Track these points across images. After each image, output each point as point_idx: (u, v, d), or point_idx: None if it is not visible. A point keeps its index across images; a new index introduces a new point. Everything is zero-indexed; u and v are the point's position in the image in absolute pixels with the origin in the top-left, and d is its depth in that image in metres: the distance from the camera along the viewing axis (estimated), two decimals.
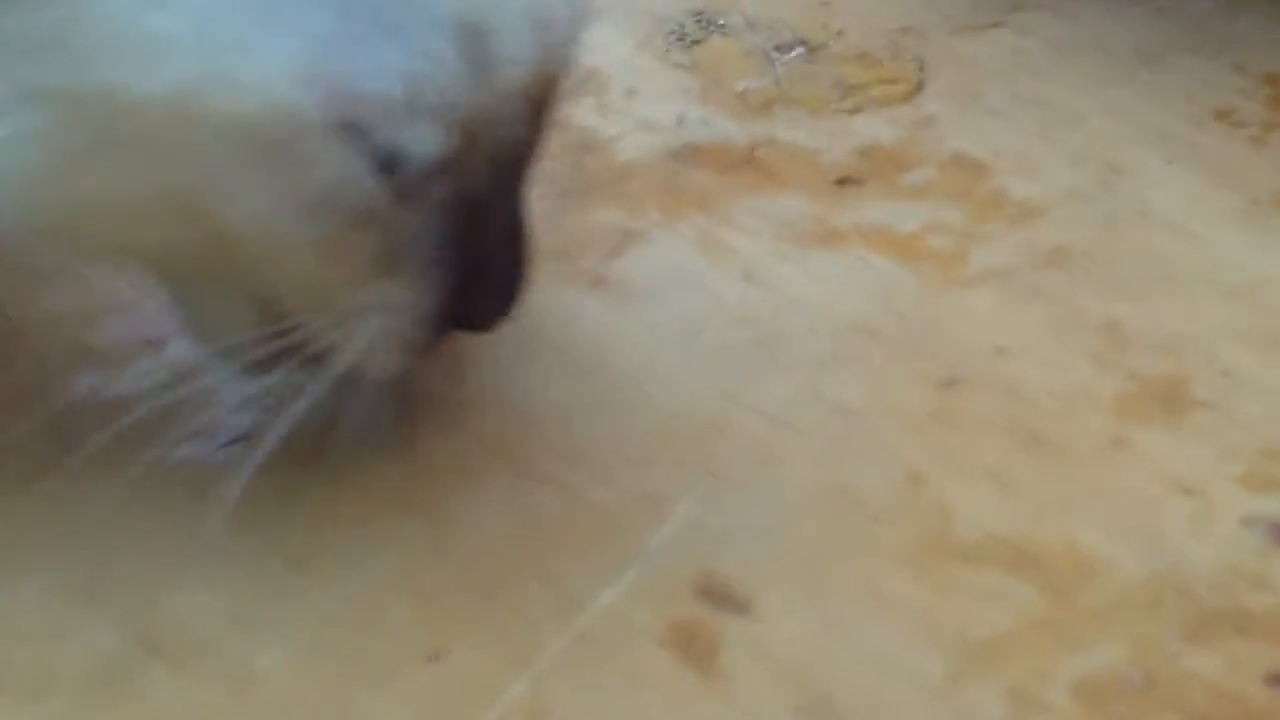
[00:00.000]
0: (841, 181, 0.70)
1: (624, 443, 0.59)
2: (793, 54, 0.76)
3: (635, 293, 0.65)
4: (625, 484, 0.58)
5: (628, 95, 0.75)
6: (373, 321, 0.54)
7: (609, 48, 0.78)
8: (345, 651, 0.54)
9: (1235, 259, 0.66)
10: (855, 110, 0.73)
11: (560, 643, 0.53)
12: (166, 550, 0.56)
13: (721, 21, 0.79)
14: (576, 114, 0.74)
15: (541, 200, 0.66)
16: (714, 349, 0.63)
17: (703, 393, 0.61)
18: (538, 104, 0.53)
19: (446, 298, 0.54)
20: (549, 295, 0.65)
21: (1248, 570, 0.55)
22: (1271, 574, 0.55)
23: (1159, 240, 0.67)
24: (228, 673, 0.53)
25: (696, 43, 0.78)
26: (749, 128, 0.73)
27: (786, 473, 0.58)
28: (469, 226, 0.53)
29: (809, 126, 0.73)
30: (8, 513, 0.57)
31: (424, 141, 0.50)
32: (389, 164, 0.51)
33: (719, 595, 0.55)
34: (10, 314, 0.64)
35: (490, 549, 0.56)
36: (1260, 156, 0.70)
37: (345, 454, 0.56)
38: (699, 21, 0.79)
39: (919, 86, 0.75)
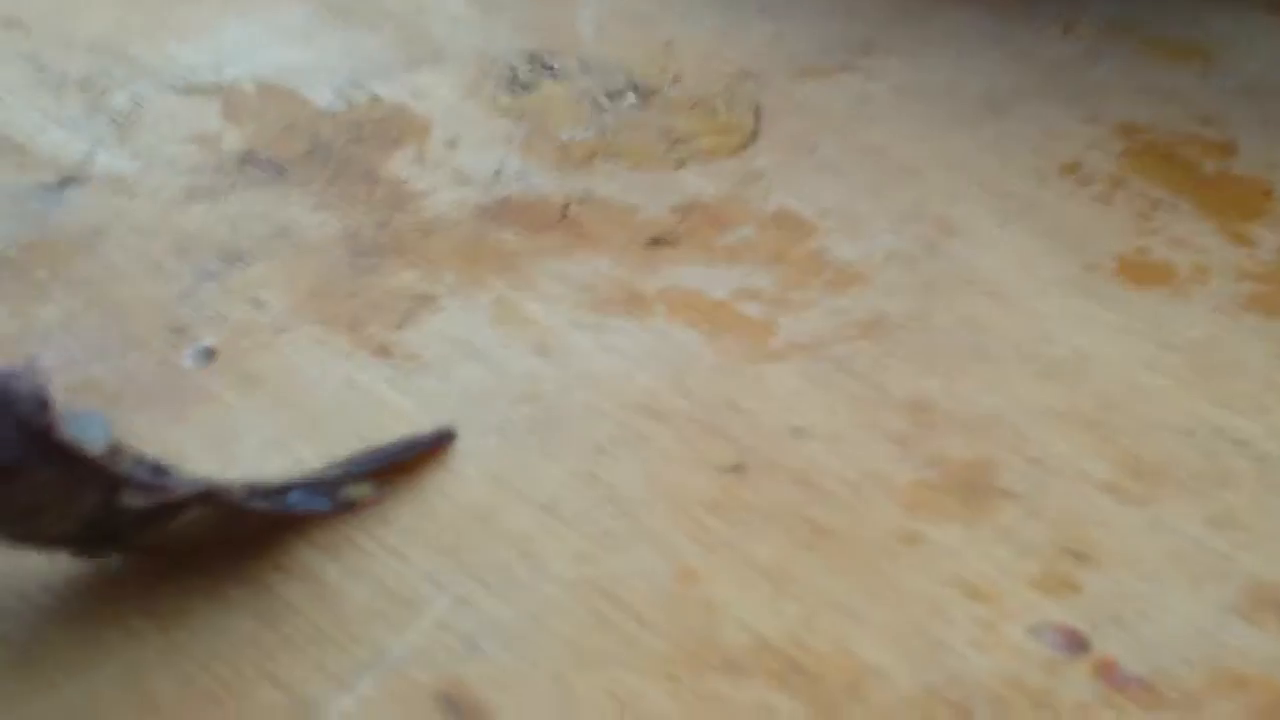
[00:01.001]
0: (654, 242, 0.65)
1: (383, 532, 0.55)
2: (624, 102, 0.72)
3: (418, 365, 0.61)
4: (379, 578, 0.54)
5: (448, 145, 0.71)
6: None
7: (435, 92, 0.74)
8: None
9: (1059, 332, 0.61)
10: (681, 163, 0.69)
11: None
12: None
13: (556, 65, 0.75)
14: (393, 165, 0.70)
15: (335, 262, 0.63)
16: (490, 428, 0.59)
17: (473, 476, 0.57)
18: None
19: None
20: (329, 365, 0.61)
21: (1031, 686, 0.51)
22: (1057, 690, 0.50)
23: (980, 309, 0.62)
24: None
25: (527, 88, 0.74)
26: (567, 181, 0.69)
27: (546, 568, 0.54)
28: None
29: (629, 180, 0.68)
30: None
31: None
32: None
33: (461, 707, 0.51)
34: None
35: (225, 651, 0.52)
36: (1104, 217, 0.66)
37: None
38: (531, 64, 0.75)
39: (752, 137, 0.71)
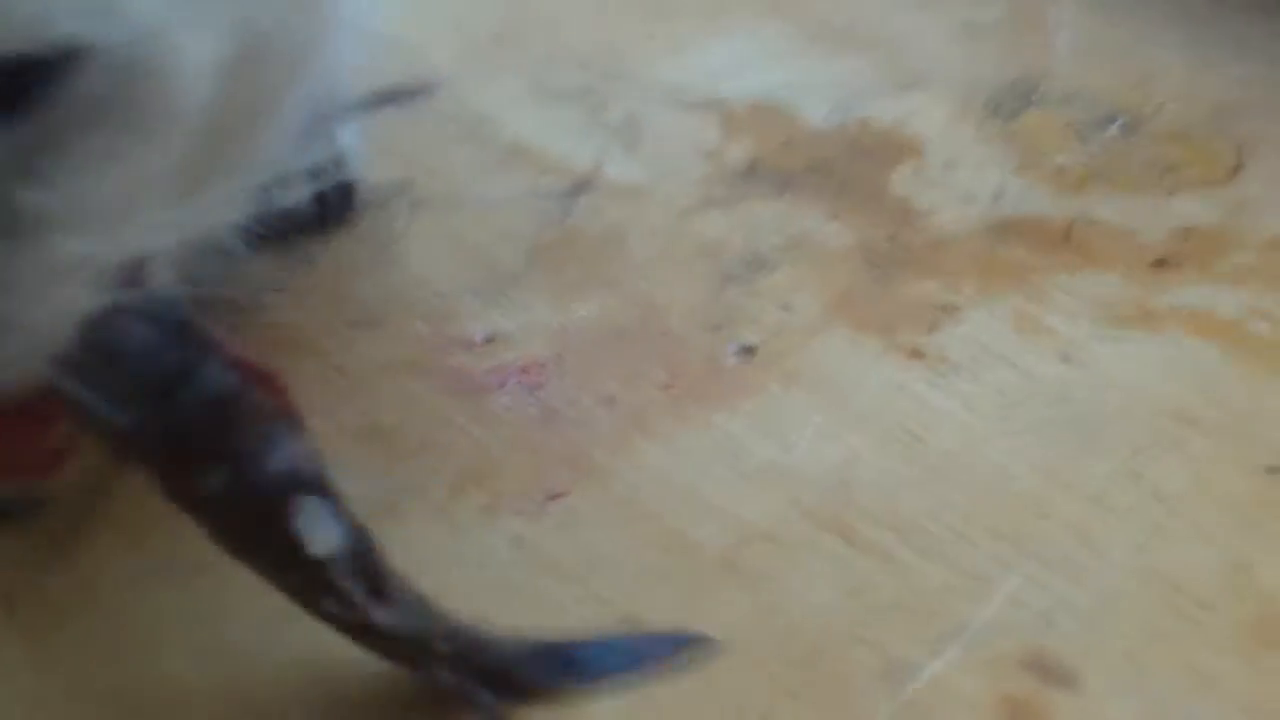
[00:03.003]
0: (1159, 263, 0.70)
1: (946, 517, 0.61)
2: (1108, 131, 0.77)
3: (952, 367, 0.66)
4: (949, 558, 0.59)
5: (946, 166, 0.76)
6: None
7: (925, 116, 0.79)
8: (674, 710, 0.55)
9: None
10: (1172, 191, 0.74)
11: (889, 709, 0.55)
12: None
13: (1037, 94, 0.80)
14: (895, 182, 0.75)
15: (855, 270, 0.68)
16: (1031, 426, 0.64)
17: (1022, 470, 0.62)
18: None
19: None
20: (867, 365, 0.66)
21: None
22: None
23: None
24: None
25: (1013, 115, 0.79)
26: (1065, 204, 0.74)
27: (1106, 556, 0.59)
28: None
29: (1124, 205, 0.73)
30: None
31: None
32: None
33: (1046, 671, 0.56)
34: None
35: (815, 615, 0.58)
36: None
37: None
38: (1015, 93, 0.80)
39: (1237, 168, 0.75)
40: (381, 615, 0.53)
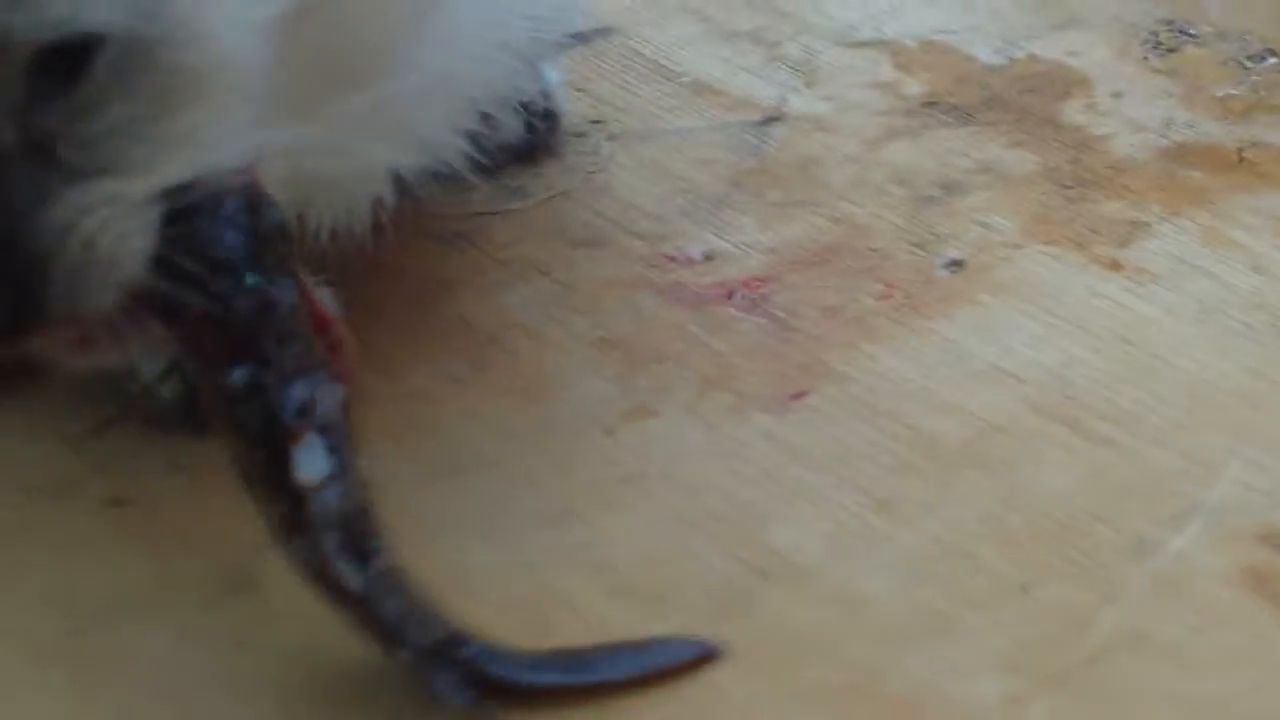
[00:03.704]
0: None
1: (1165, 410, 0.66)
2: (1266, 63, 0.83)
3: (1150, 278, 0.72)
4: (1174, 446, 0.65)
5: (1114, 97, 0.82)
6: None
7: (1090, 52, 0.85)
8: (943, 582, 0.61)
9: None
10: None
11: (1140, 581, 0.60)
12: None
13: (1192, 31, 0.86)
14: (1068, 113, 0.81)
15: (1045, 192, 0.74)
16: (1232, 331, 0.70)
17: (1229, 369, 0.68)
18: None
19: None
20: (1070, 276, 0.72)
21: None
22: None
23: None
24: (838, 597, 0.61)
25: (1171, 50, 0.85)
26: (1232, 131, 0.80)
27: None
28: None
29: None
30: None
31: None
32: None
33: None
34: None
35: (1060, 499, 0.63)
36: None
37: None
38: (1171, 30, 0.86)
39: None
40: (350, 577, 0.55)
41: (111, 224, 0.53)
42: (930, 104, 0.83)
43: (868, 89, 0.85)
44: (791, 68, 0.87)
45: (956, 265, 0.74)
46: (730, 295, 0.73)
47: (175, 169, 0.55)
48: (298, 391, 0.55)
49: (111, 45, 0.52)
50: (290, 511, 0.55)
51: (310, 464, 0.55)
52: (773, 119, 0.83)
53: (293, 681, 0.59)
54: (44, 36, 0.51)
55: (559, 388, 0.70)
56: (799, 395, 0.68)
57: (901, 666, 0.58)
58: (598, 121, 0.84)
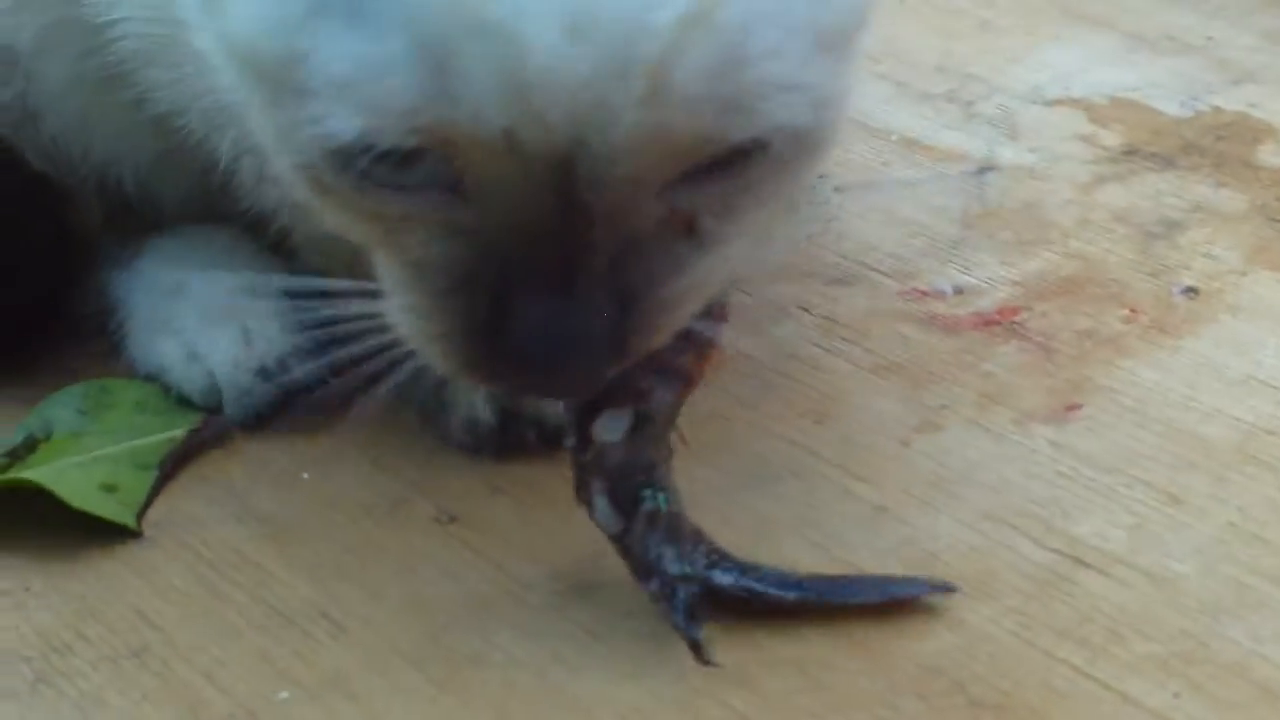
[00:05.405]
0: None
1: None
2: None
3: None
4: None
5: None
6: (402, 314, 0.59)
7: (1269, 104, 0.94)
8: (1244, 563, 0.67)
9: None
10: None
11: None
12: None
13: None
14: (1263, 156, 0.89)
15: (1258, 225, 0.82)
16: None
17: None
18: (549, 162, 0.52)
19: (468, 334, 0.57)
20: None
21: None
22: None
23: None
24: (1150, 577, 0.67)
25: None
26: None
27: None
28: (493, 278, 0.56)
29: None
30: None
31: (348, 122, 0.52)
32: (329, 139, 0.53)
33: None
34: None
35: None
36: None
37: None
38: None
39: None
40: (610, 520, 0.64)
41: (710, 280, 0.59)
42: (1130, 152, 0.91)
43: (1069, 141, 0.92)
44: (991, 124, 0.94)
45: (1192, 291, 0.81)
46: (988, 323, 0.80)
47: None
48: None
49: (785, 134, 0.55)
50: (581, 465, 0.64)
51: (610, 428, 0.63)
52: (986, 169, 0.90)
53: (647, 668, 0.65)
54: (747, 135, 0.54)
55: (847, 407, 0.76)
56: (1073, 408, 0.75)
57: (1225, 636, 0.64)
58: (822, 176, 0.90)
